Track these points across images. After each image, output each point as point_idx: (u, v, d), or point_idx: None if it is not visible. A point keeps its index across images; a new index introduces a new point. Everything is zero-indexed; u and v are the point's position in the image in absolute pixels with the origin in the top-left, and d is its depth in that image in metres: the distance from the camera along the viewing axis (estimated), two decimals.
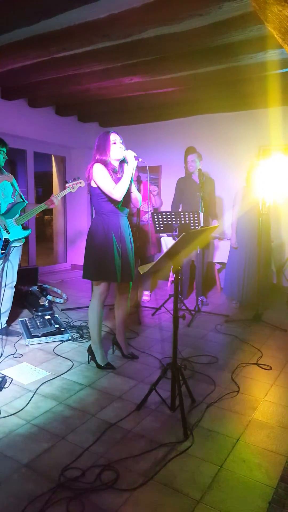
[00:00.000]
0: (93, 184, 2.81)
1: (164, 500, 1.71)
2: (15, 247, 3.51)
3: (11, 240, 3.38)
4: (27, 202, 3.54)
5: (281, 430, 2.25)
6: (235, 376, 2.90)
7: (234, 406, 2.50)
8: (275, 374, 2.97)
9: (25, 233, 3.49)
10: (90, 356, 3.05)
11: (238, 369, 3.04)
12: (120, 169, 2.86)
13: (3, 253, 3.32)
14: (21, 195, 3.57)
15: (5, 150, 3.42)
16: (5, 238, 3.34)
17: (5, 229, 3.34)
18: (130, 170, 2.75)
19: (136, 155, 2.77)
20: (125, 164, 2.79)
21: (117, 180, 2.76)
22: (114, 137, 2.80)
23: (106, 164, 2.77)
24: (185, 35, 3.31)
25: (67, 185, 3.48)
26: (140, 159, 2.80)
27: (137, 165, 2.87)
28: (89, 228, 2.93)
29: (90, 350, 3.05)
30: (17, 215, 3.42)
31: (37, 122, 5.83)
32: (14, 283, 3.60)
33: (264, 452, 2.05)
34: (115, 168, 2.83)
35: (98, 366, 2.99)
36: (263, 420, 2.35)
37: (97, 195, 2.83)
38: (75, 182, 3.47)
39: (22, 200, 3.53)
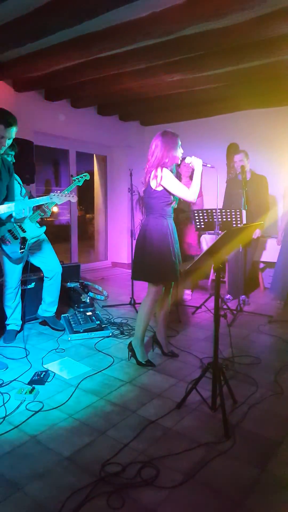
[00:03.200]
0: (158, 188, 2.82)
1: (203, 500, 1.69)
2: (36, 242, 3.51)
3: (28, 238, 3.38)
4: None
5: None
6: (279, 378, 2.81)
7: (277, 408, 2.43)
8: None
9: (41, 230, 3.48)
10: (130, 353, 3.07)
11: (282, 370, 2.94)
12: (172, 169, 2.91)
13: (22, 252, 3.36)
14: (27, 191, 3.55)
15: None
16: (22, 237, 3.32)
17: (21, 229, 3.33)
18: (199, 175, 2.88)
19: (204, 163, 2.92)
20: (195, 170, 2.90)
21: None
22: (179, 142, 2.86)
23: (169, 167, 2.83)
24: (228, 31, 3.25)
25: (73, 178, 3.50)
26: (209, 165, 2.97)
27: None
28: (144, 230, 2.90)
29: (130, 347, 3.07)
30: (31, 213, 3.40)
31: (79, 122, 5.94)
32: (59, 273, 3.61)
33: None
34: (173, 170, 2.89)
35: (138, 363, 3.00)
36: None
37: (159, 198, 2.84)
38: (80, 176, 3.49)
39: (29, 197, 3.47)
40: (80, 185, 3.49)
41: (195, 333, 3.76)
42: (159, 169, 2.77)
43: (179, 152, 2.88)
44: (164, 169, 2.77)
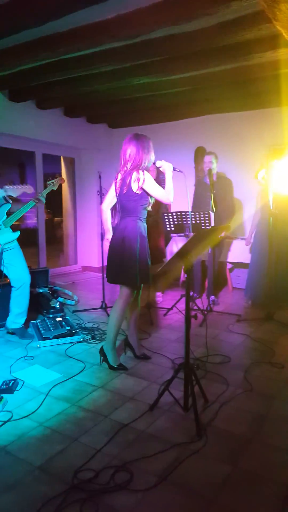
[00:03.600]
0: (138, 191, 2.82)
1: (177, 500, 1.69)
2: (8, 249, 3.45)
3: (1, 244, 3.33)
4: (11, 202, 3.46)
5: None
6: (248, 375, 2.87)
7: (247, 405, 2.48)
8: (287, 373, 2.94)
9: (15, 235, 3.45)
10: (102, 358, 3.04)
11: (251, 368, 3.01)
12: None
13: None
14: (4, 195, 3.49)
15: None
16: None
17: None
18: (170, 177, 2.94)
19: (174, 167, 2.98)
20: (166, 174, 2.95)
21: None
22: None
23: (148, 170, 2.86)
24: (194, 35, 3.29)
25: (48, 183, 3.60)
26: (178, 170, 3.01)
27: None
28: (122, 233, 2.87)
29: (102, 352, 3.04)
30: (4, 218, 3.37)
31: (46, 124, 5.86)
32: (27, 283, 3.56)
33: (279, 450, 2.02)
34: None
35: (111, 367, 2.98)
36: (277, 419, 2.32)
37: (138, 201, 2.85)
38: (55, 180, 3.60)
39: (5, 201, 3.44)
40: (55, 189, 3.59)
41: (167, 335, 3.78)
42: (140, 172, 2.78)
43: (153, 156, 2.91)
44: (145, 172, 2.81)
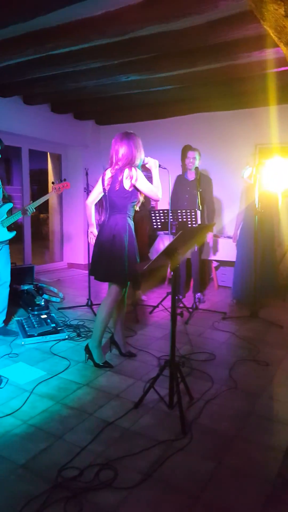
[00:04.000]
0: (129, 188, 2.82)
1: (163, 498, 1.70)
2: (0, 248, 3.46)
3: None
4: (13, 204, 3.50)
5: (279, 425, 2.25)
6: (233, 373, 2.90)
7: (232, 402, 2.50)
8: (272, 370, 2.98)
9: (10, 235, 3.45)
10: (87, 355, 3.04)
11: (236, 365, 3.04)
12: None
13: None
14: (5, 195, 3.51)
15: None
16: None
17: None
18: (157, 174, 2.95)
19: (160, 164, 3.01)
20: (152, 170, 2.96)
21: None
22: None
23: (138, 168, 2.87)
24: (182, 33, 3.29)
25: (53, 186, 3.56)
26: (163, 167, 3.05)
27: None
28: (112, 230, 2.86)
29: (87, 349, 3.03)
30: (4, 217, 3.38)
31: (33, 119, 5.79)
32: (8, 283, 3.57)
33: (262, 447, 2.05)
34: None
35: (96, 364, 2.98)
36: (261, 416, 2.35)
37: (129, 198, 2.85)
38: (61, 184, 3.56)
39: (8, 201, 3.48)
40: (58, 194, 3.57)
41: (153, 332, 3.79)
42: (133, 169, 2.78)
43: (143, 154, 2.92)
44: (137, 169, 2.82)
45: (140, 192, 2.88)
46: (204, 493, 1.72)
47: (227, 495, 1.73)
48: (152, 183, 2.90)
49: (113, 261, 2.84)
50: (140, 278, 3.01)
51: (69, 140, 6.60)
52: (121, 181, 2.80)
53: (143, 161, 2.94)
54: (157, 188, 2.91)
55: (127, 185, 2.80)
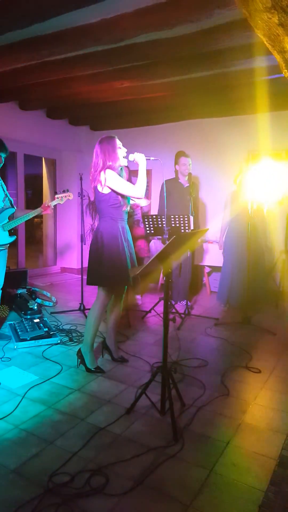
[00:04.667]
0: (104, 191, 2.81)
1: (153, 505, 1.70)
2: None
3: None
4: (15, 208, 3.51)
5: (270, 433, 2.26)
6: (225, 379, 2.91)
7: (224, 409, 2.50)
8: (264, 377, 2.98)
9: (10, 239, 3.46)
10: (79, 360, 3.03)
11: (228, 372, 3.04)
12: (120, 172, 2.91)
13: None
14: (11, 200, 3.53)
15: (3, 156, 3.39)
16: None
17: None
18: (144, 170, 2.87)
19: (147, 156, 2.92)
20: (139, 166, 2.88)
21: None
22: (119, 142, 2.88)
23: (115, 169, 2.82)
24: (176, 41, 3.33)
25: (56, 196, 3.58)
26: (152, 158, 2.95)
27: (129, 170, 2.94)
28: (96, 234, 2.89)
29: (79, 354, 3.03)
30: (5, 221, 3.39)
31: (28, 124, 5.81)
32: (1, 286, 3.56)
33: (254, 455, 2.05)
34: (120, 172, 2.89)
35: (88, 369, 2.97)
36: (253, 423, 2.36)
37: (107, 201, 2.84)
38: (64, 195, 3.59)
39: (11, 206, 3.49)
40: (62, 203, 3.61)
41: (145, 338, 3.78)
42: (106, 172, 2.78)
43: (121, 152, 2.88)
44: (107, 170, 2.78)
45: (117, 193, 2.83)
46: (195, 501, 1.72)
47: (219, 503, 1.72)
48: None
49: (97, 265, 2.86)
50: (138, 281, 2.99)
51: (64, 145, 6.63)
52: (96, 187, 2.85)
53: (128, 158, 2.89)
54: (140, 185, 2.83)
55: (100, 188, 2.82)
